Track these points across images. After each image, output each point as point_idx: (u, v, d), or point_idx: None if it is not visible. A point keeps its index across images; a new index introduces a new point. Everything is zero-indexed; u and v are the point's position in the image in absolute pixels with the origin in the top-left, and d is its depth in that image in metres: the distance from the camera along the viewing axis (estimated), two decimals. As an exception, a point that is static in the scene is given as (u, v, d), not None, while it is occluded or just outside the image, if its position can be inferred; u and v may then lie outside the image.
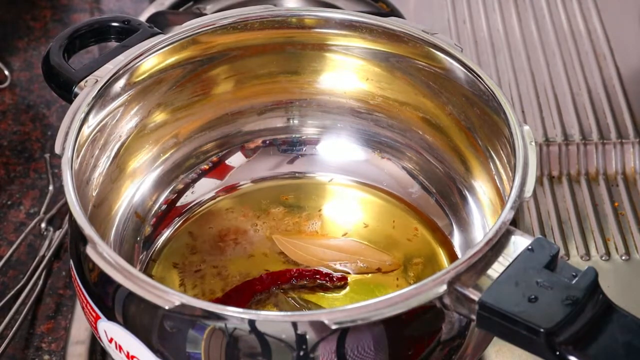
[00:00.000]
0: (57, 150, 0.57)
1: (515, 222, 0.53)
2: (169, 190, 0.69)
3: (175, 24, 0.76)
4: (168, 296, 0.48)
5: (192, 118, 0.70)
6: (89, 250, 0.51)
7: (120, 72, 0.62)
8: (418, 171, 0.69)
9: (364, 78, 0.69)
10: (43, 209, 0.75)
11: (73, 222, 0.54)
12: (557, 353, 0.46)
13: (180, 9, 0.89)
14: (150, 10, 0.88)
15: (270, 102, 0.71)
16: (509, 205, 0.52)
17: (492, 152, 0.63)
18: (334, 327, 0.47)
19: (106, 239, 0.63)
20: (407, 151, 0.70)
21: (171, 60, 0.65)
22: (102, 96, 0.61)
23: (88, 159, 0.60)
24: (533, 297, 0.48)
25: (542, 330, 0.46)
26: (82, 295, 0.55)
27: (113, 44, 0.66)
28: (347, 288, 0.64)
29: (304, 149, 0.72)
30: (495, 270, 0.49)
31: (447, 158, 0.68)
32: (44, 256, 0.71)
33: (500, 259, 0.50)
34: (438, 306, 0.49)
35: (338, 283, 0.63)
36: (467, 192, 0.66)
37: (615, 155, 0.79)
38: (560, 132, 0.81)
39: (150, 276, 0.63)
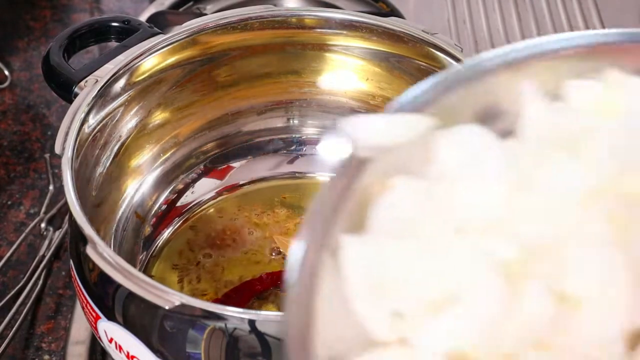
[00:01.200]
0: (57, 150, 0.57)
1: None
2: (169, 190, 0.69)
3: (175, 24, 0.75)
4: (168, 296, 0.48)
5: (192, 118, 0.70)
6: (89, 250, 0.51)
7: (120, 72, 0.62)
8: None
9: (364, 78, 0.69)
10: (43, 209, 0.75)
11: (73, 222, 0.54)
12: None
13: (180, 9, 0.89)
14: (150, 10, 0.88)
15: (270, 102, 0.71)
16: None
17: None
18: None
19: (106, 238, 0.63)
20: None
21: (171, 60, 0.65)
22: (102, 96, 0.61)
23: (88, 159, 0.61)
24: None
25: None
26: (82, 295, 0.55)
27: (113, 44, 0.66)
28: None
29: (304, 149, 0.72)
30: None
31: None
32: (43, 256, 0.71)
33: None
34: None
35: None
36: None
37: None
38: (560, 132, 0.81)
39: (150, 276, 0.63)
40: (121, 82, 0.62)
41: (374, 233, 0.34)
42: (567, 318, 0.33)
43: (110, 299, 0.52)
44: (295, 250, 0.33)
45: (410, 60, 0.65)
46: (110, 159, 0.64)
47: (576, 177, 0.34)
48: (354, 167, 0.36)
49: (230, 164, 0.71)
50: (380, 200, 0.35)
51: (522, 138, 0.36)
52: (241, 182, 0.71)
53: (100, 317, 0.53)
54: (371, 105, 0.70)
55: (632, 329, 0.33)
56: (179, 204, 0.69)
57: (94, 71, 0.62)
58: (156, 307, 0.49)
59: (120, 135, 0.64)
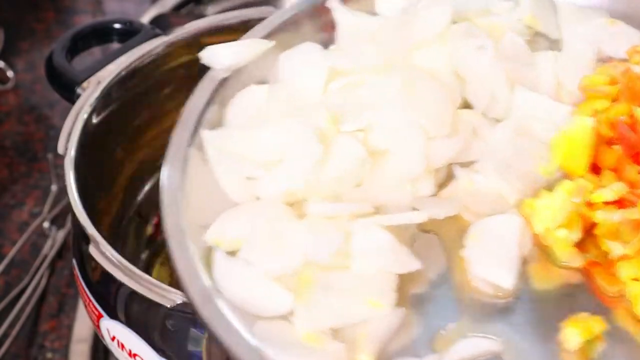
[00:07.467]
0: (60, 150, 0.57)
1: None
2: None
3: (177, 26, 0.76)
4: (170, 295, 0.49)
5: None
6: (92, 250, 0.52)
7: (123, 73, 0.62)
8: None
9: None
10: (46, 209, 0.75)
11: (76, 221, 0.54)
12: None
13: (181, 11, 0.90)
14: (151, 12, 0.88)
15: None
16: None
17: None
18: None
19: (108, 238, 0.63)
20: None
21: (173, 62, 0.66)
22: (105, 97, 0.61)
23: (91, 159, 0.61)
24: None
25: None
26: (84, 294, 0.56)
27: (115, 45, 0.67)
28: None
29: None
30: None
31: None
32: (46, 255, 0.71)
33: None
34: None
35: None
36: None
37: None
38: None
39: (152, 275, 0.64)
40: (123, 83, 0.63)
41: (229, 126, 0.49)
42: (377, 163, 0.46)
43: (112, 297, 0.53)
44: (171, 147, 0.47)
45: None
46: (113, 159, 0.65)
47: (373, 55, 0.50)
48: (215, 83, 0.50)
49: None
50: (233, 102, 0.50)
51: (339, 39, 0.53)
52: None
53: (102, 316, 0.54)
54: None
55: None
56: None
57: (97, 72, 0.62)
58: (158, 306, 0.49)
59: (122, 136, 0.65)
